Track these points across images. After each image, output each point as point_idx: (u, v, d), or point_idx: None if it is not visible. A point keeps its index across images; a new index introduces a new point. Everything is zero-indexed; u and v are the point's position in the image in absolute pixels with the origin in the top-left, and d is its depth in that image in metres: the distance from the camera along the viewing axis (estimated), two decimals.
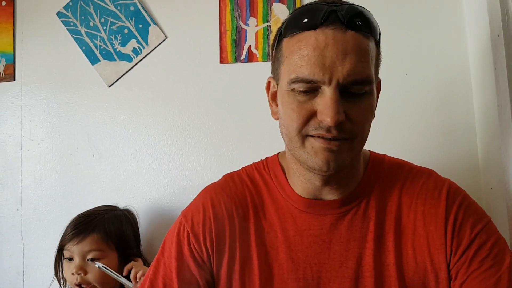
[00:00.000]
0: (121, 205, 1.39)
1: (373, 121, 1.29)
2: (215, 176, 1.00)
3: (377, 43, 0.81)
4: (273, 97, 0.87)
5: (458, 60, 1.31)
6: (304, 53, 0.75)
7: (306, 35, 0.76)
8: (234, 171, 0.98)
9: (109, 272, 0.61)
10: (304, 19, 0.76)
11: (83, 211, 1.32)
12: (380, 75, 1.32)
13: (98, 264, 0.62)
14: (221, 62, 1.44)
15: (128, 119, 1.49)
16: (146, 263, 1.29)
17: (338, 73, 0.73)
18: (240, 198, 0.91)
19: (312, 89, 0.75)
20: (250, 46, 1.43)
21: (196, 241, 0.89)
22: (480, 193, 1.26)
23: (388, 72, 1.33)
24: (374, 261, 0.82)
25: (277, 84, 0.83)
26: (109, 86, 1.51)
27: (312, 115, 0.76)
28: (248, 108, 1.40)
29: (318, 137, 0.76)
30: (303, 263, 0.84)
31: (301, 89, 0.76)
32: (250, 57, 1.42)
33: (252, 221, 0.89)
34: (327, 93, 0.74)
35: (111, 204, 1.38)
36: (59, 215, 1.50)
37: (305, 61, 0.75)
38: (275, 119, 0.87)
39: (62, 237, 1.27)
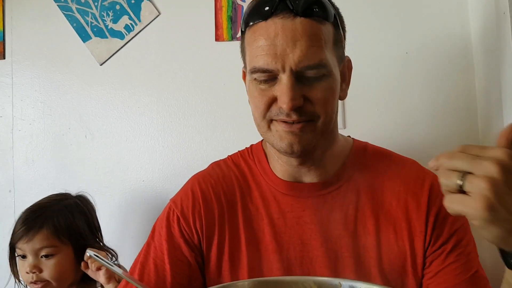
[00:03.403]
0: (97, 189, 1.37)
1: (373, 101, 1.31)
2: (211, 157, 0.99)
3: (336, 24, 0.83)
4: None
5: (460, 38, 1.29)
6: (259, 44, 0.79)
7: (259, 26, 0.80)
8: (220, 159, 1.01)
9: (102, 261, 0.59)
10: (257, 10, 0.81)
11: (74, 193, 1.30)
12: (379, 54, 1.32)
13: (89, 253, 0.60)
14: (216, 39, 1.41)
15: (121, 98, 1.46)
16: (109, 254, 1.25)
17: (290, 60, 0.77)
18: (228, 184, 0.94)
19: (271, 78, 0.80)
20: None
21: (186, 224, 0.91)
22: None
23: (388, 51, 1.32)
24: (353, 243, 0.85)
25: (246, 73, 0.88)
26: (101, 64, 1.48)
27: (273, 101, 0.80)
28: (244, 88, 1.36)
29: (281, 121, 0.80)
30: (287, 244, 0.87)
31: (260, 78, 0.80)
32: None
33: (239, 205, 0.91)
34: (283, 80, 0.78)
35: (63, 192, 1.32)
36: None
37: (259, 52, 0.79)
38: None
39: (12, 234, 1.21)
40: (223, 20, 1.40)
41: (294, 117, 0.79)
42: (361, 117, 1.30)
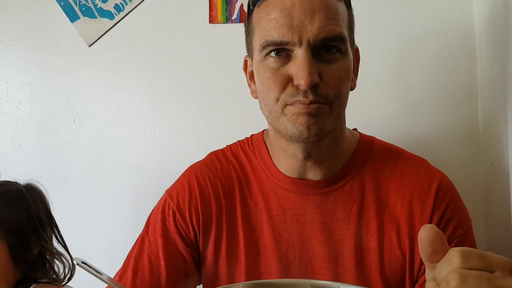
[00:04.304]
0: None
1: (372, 89, 1.28)
2: (204, 145, 0.96)
3: (348, 6, 0.81)
4: (251, 77, 0.87)
5: (463, 26, 1.25)
6: (272, 17, 0.75)
7: None
8: (219, 149, 0.96)
9: (90, 269, 0.54)
10: None
11: (62, 179, 1.25)
12: (380, 41, 1.28)
13: (76, 261, 0.55)
14: (210, 21, 1.35)
15: (111, 82, 1.41)
16: (56, 255, 1.10)
17: (308, 32, 0.73)
18: (226, 177, 0.90)
19: (284, 54, 0.76)
20: (242, 4, 1.34)
21: (182, 219, 0.88)
22: (479, 168, 1.24)
23: (389, 38, 1.28)
24: (355, 244, 0.83)
25: (252, 59, 0.83)
26: (89, 46, 1.41)
27: (288, 81, 0.76)
28: (239, 73, 1.30)
29: (297, 103, 0.75)
30: (286, 242, 0.85)
31: (272, 53, 0.76)
32: (243, 17, 1.33)
33: (238, 200, 0.88)
34: (299, 55, 0.74)
35: (7, 180, 1.17)
36: (39, 181, 1.42)
37: (273, 24, 0.75)
38: (254, 97, 0.87)
39: None
40: (217, 1, 1.35)
41: (311, 97, 0.74)
42: (360, 106, 1.27)
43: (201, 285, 0.92)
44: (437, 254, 0.50)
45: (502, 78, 1.09)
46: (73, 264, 1.08)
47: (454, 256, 0.49)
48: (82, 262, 0.56)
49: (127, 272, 0.87)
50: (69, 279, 1.10)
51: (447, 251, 0.50)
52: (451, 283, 0.48)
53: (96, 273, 0.56)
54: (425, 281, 0.80)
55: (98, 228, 1.29)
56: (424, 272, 0.81)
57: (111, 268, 0.84)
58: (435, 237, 0.50)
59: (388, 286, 0.81)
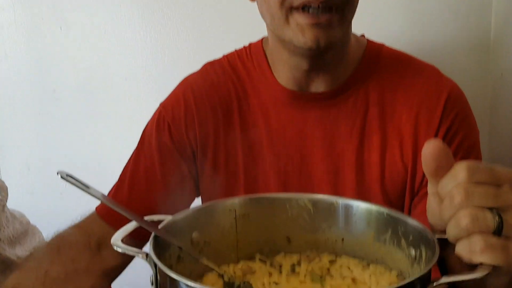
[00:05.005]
0: None
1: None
2: (199, 55, 0.91)
3: None
4: None
5: None
6: None
7: None
8: (215, 59, 0.90)
9: (77, 183, 0.51)
10: None
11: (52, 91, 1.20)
12: None
13: (61, 174, 0.51)
14: None
15: None
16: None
17: None
18: (223, 90, 0.86)
19: None
20: None
21: (178, 133, 0.85)
22: (488, 78, 1.18)
23: None
24: (356, 159, 0.81)
25: None
26: None
27: None
28: None
29: (303, 10, 0.69)
30: (285, 157, 0.83)
31: None
32: None
33: (236, 114, 0.85)
34: None
35: None
36: (29, 93, 1.40)
37: None
38: (251, 0, 0.81)
39: None
40: None
41: None
42: (368, 16, 1.18)
43: (199, 197, 0.92)
44: (442, 169, 0.48)
45: None
46: None
47: (460, 170, 0.47)
48: (68, 176, 0.52)
49: (123, 186, 0.85)
50: None
51: (452, 165, 0.48)
52: (456, 198, 0.46)
53: (84, 187, 0.53)
54: (425, 194, 0.80)
55: (90, 142, 1.26)
56: (425, 185, 0.79)
57: (105, 183, 0.82)
58: (440, 152, 0.48)
59: (388, 199, 0.80)
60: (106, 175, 0.92)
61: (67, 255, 0.74)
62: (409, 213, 0.81)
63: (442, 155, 0.48)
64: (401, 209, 0.81)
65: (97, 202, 0.81)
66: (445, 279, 0.44)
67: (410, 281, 0.42)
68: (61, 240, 0.78)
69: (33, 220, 1.03)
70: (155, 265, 0.47)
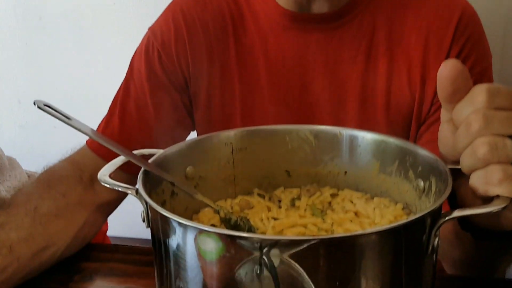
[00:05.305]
0: None
1: None
2: None
3: None
4: None
5: None
6: None
7: None
8: None
9: (56, 113, 0.45)
10: None
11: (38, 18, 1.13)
12: None
13: (38, 104, 0.44)
14: None
15: None
16: None
17: None
18: (217, 13, 0.80)
19: None
20: None
21: (169, 60, 0.80)
22: None
23: None
24: (361, 86, 0.76)
25: None
26: None
27: None
28: None
29: None
30: (285, 86, 0.78)
31: None
32: None
33: (231, 39, 0.79)
34: None
35: None
36: (14, 21, 1.32)
37: None
38: None
39: None
40: None
41: None
42: None
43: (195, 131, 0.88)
44: (459, 93, 0.44)
45: None
46: None
47: (479, 93, 0.42)
48: (45, 105, 0.47)
49: (114, 119, 0.81)
50: None
51: (470, 89, 0.43)
52: (473, 125, 0.42)
53: (65, 118, 0.48)
54: (433, 123, 0.76)
55: (79, 72, 1.20)
56: (433, 114, 0.75)
57: (98, 114, 0.78)
58: (459, 74, 0.43)
59: (392, 129, 0.76)
60: (98, 105, 0.87)
61: (58, 190, 0.71)
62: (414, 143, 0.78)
63: (460, 78, 0.44)
64: (405, 139, 0.78)
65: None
66: (457, 213, 0.41)
67: (421, 216, 0.39)
68: (52, 175, 0.75)
69: (23, 154, 0.99)
70: (146, 202, 0.44)
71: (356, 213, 0.54)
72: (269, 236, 0.45)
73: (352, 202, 0.57)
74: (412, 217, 0.38)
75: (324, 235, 0.35)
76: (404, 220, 0.37)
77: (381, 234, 0.37)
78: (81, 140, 0.79)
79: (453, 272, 0.69)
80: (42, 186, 0.71)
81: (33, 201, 0.67)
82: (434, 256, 0.42)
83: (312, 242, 0.35)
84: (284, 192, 0.61)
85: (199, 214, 0.57)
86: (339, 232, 0.50)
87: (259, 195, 0.61)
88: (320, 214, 0.54)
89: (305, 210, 0.56)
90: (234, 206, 0.58)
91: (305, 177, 0.62)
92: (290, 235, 0.43)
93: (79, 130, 0.48)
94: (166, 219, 0.40)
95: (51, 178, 0.74)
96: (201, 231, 0.38)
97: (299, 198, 0.59)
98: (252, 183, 0.62)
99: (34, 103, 0.48)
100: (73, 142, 0.79)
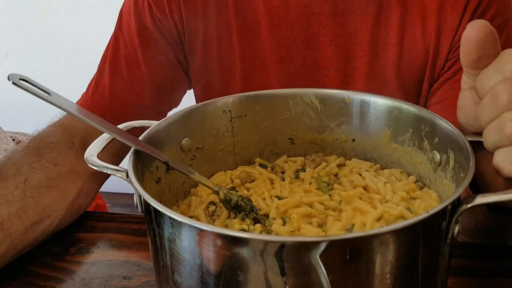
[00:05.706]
0: None
1: None
2: None
3: None
4: None
5: None
6: None
7: None
8: None
9: (32, 88, 0.39)
10: None
11: None
12: None
13: (12, 79, 0.39)
14: None
15: None
16: None
17: None
18: None
19: None
20: None
21: (160, 13, 0.73)
22: None
23: None
24: (371, 39, 0.71)
25: None
26: None
27: None
28: None
29: None
30: (288, 40, 0.73)
31: None
32: None
33: None
34: None
35: None
36: None
37: None
38: None
39: None
40: None
41: None
42: None
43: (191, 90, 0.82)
44: (485, 59, 0.38)
45: None
46: None
47: (509, 60, 0.37)
48: (21, 80, 0.42)
49: (103, 80, 0.76)
50: None
51: (498, 54, 0.38)
52: (501, 97, 0.37)
53: (44, 93, 0.43)
54: (447, 80, 0.71)
55: (70, 22, 1.13)
56: (448, 69, 0.70)
57: (88, 67, 0.72)
58: (487, 38, 0.38)
59: (403, 87, 0.72)
60: (89, 57, 0.81)
61: (49, 158, 0.66)
62: (426, 103, 0.73)
63: (489, 42, 0.38)
64: (417, 98, 0.73)
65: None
66: (480, 199, 0.36)
67: (440, 209, 0.35)
68: (41, 141, 0.70)
69: (12, 114, 0.95)
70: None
71: (365, 188, 0.50)
72: (270, 236, 0.40)
73: (360, 175, 0.52)
74: (433, 210, 0.34)
75: (333, 236, 0.31)
76: (422, 215, 0.33)
77: (398, 232, 0.33)
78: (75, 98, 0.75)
79: (462, 240, 0.66)
80: (31, 155, 0.67)
81: (23, 173, 0.63)
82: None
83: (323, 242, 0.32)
84: (288, 161, 0.58)
85: (198, 188, 0.54)
86: (347, 211, 0.46)
87: (260, 165, 0.57)
88: (327, 189, 0.51)
89: (310, 183, 0.53)
90: (235, 179, 0.54)
91: (309, 145, 0.58)
92: (295, 237, 0.39)
93: (61, 108, 0.43)
94: (159, 212, 0.37)
95: (41, 145, 0.69)
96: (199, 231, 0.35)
97: (303, 169, 0.55)
98: (253, 152, 0.58)
99: (8, 78, 0.43)
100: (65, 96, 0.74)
